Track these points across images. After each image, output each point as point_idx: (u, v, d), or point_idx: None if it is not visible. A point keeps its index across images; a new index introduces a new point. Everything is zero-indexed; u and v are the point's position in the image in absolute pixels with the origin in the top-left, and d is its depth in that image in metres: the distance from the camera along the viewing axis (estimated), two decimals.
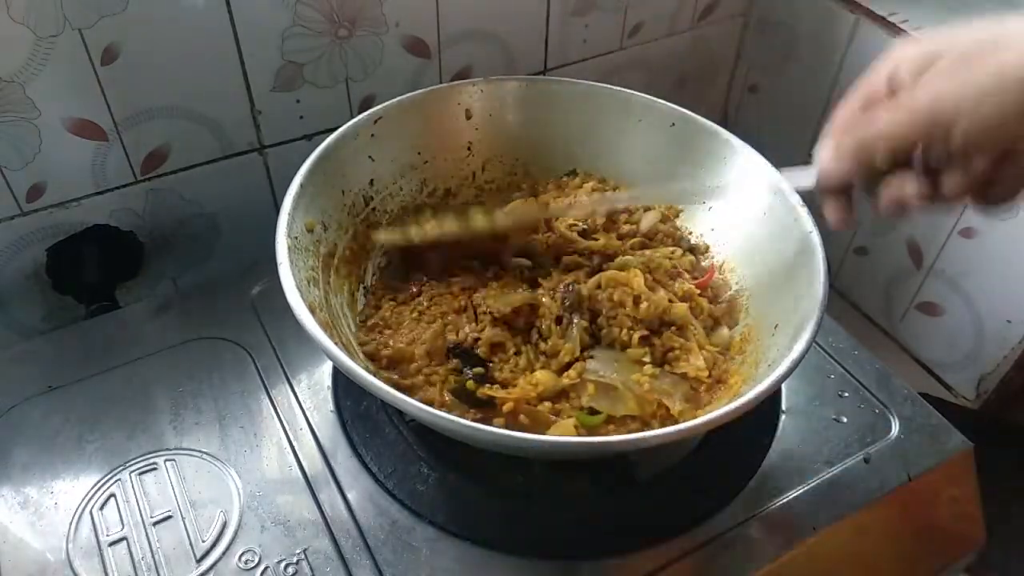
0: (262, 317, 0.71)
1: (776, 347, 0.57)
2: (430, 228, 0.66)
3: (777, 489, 0.61)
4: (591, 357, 0.60)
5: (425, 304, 0.64)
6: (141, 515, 0.57)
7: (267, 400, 0.65)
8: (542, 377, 0.58)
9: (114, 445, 0.61)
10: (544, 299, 0.62)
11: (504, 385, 0.59)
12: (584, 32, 0.89)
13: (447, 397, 0.58)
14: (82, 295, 0.77)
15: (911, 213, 0.48)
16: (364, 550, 0.56)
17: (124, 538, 0.56)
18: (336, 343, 0.53)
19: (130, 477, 0.59)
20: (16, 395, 0.65)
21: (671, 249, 0.69)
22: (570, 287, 0.62)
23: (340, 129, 0.66)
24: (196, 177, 0.77)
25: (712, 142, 0.70)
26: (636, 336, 0.61)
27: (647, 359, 0.60)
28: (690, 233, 0.72)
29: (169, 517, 0.57)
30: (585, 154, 0.76)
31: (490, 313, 0.61)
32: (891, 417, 0.66)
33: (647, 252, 0.69)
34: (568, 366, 0.60)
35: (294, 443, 0.62)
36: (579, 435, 0.55)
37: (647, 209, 0.72)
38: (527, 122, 0.75)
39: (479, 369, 0.59)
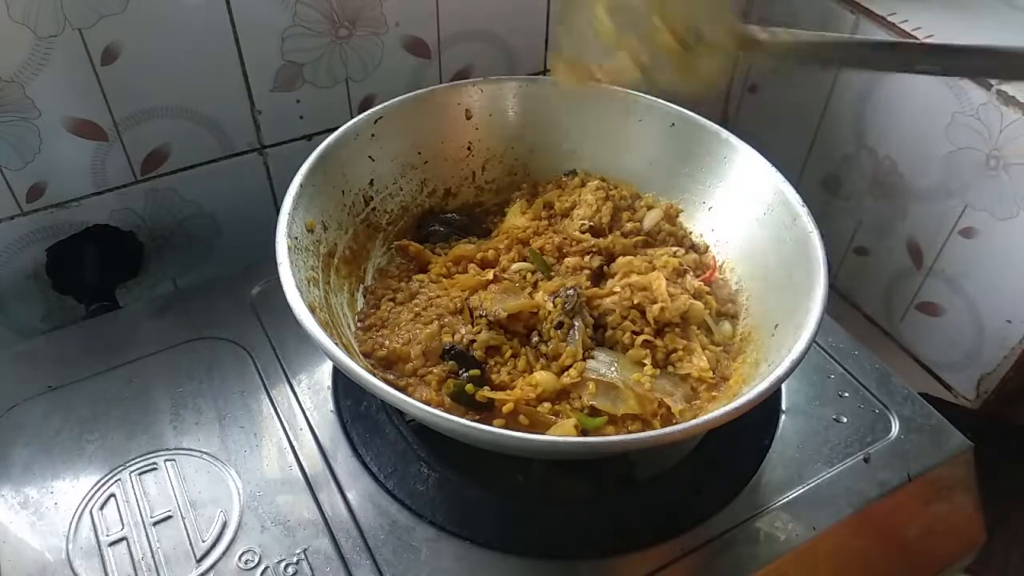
0: (262, 317, 0.71)
1: (776, 347, 0.57)
2: None
3: (777, 489, 0.61)
4: (591, 357, 0.60)
5: (423, 305, 0.64)
6: (141, 515, 0.57)
7: (267, 400, 0.65)
8: (541, 378, 0.58)
9: (114, 445, 0.61)
10: (546, 304, 0.62)
11: (502, 388, 0.59)
12: None
13: (445, 399, 0.58)
14: (82, 295, 0.77)
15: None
16: (364, 550, 0.56)
17: (124, 538, 0.56)
18: (336, 343, 0.53)
19: (130, 477, 0.59)
20: (16, 395, 0.65)
21: (674, 248, 0.69)
22: (571, 291, 0.62)
23: (340, 129, 0.66)
24: (196, 177, 0.77)
25: (712, 142, 0.70)
26: (639, 339, 0.60)
27: (647, 361, 0.60)
28: (690, 232, 0.72)
29: (169, 517, 0.57)
30: (585, 154, 0.76)
31: (485, 316, 0.61)
32: (891, 417, 0.66)
33: (649, 251, 0.69)
34: (569, 367, 0.60)
35: (294, 443, 0.62)
36: (579, 435, 0.55)
37: (650, 207, 0.72)
38: (527, 122, 0.75)
39: (475, 371, 0.59)
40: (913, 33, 0.81)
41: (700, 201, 0.72)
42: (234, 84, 0.73)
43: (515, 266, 0.67)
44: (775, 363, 0.53)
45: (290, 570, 0.54)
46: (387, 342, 0.62)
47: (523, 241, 0.69)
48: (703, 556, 0.57)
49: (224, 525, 0.57)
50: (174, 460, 0.61)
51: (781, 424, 0.65)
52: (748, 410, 0.49)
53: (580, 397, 0.58)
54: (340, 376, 0.66)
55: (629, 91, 0.73)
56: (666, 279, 0.64)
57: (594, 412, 0.58)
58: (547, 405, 0.58)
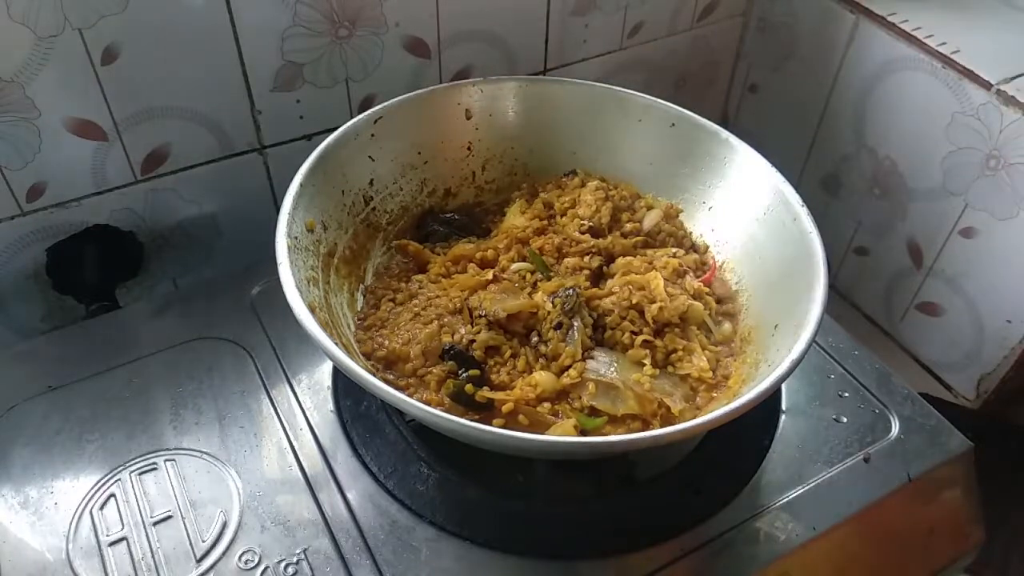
0: (262, 317, 0.71)
1: (776, 347, 0.57)
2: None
3: (777, 489, 0.61)
4: (591, 357, 0.60)
5: (422, 305, 0.64)
6: (141, 515, 0.57)
7: (267, 400, 0.65)
8: (541, 379, 0.58)
9: (114, 445, 0.61)
10: (545, 304, 0.62)
11: (502, 388, 0.59)
12: (584, 32, 0.89)
13: (445, 399, 0.58)
14: (82, 295, 0.77)
15: None
16: (364, 550, 0.56)
17: (124, 538, 0.56)
18: (336, 343, 0.53)
19: (130, 477, 0.59)
20: (16, 395, 0.64)
21: (674, 249, 0.69)
22: (570, 291, 0.62)
23: (340, 129, 0.66)
24: (196, 177, 0.77)
25: (712, 142, 0.70)
26: (639, 339, 0.60)
27: (647, 361, 0.60)
28: (690, 232, 0.72)
29: (169, 517, 0.57)
30: (585, 154, 0.76)
31: (484, 316, 0.61)
32: (891, 417, 0.66)
33: (649, 251, 0.69)
34: (568, 367, 0.60)
35: (294, 443, 0.62)
36: (579, 435, 0.55)
37: (650, 207, 0.72)
38: (527, 122, 0.75)
39: (475, 371, 0.59)
40: (913, 33, 0.81)
41: (700, 201, 0.72)
42: (234, 84, 0.73)
43: (514, 266, 0.67)
44: (775, 363, 0.53)
45: (290, 570, 0.54)
46: (387, 342, 0.62)
47: (523, 241, 0.69)
48: (703, 556, 0.57)
49: (224, 525, 0.57)
50: (174, 460, 0.61)
51: (781, 424, 0.65)
52: (748, 410, 0.49)
53: (580, 397, 0.58)
54: (340, 376, 0.66)
55: (629, 91, 0.73)
56: (666, 279, 0.64)
57: (594, 412, 0.58)
58: (547, 405, 0.58)
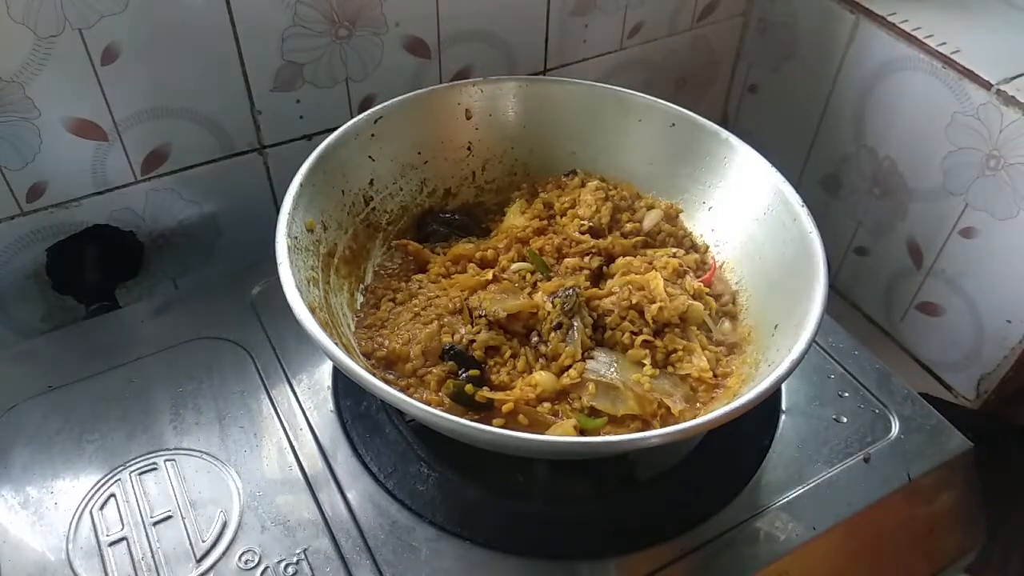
0: (262, 317, 0.71)
1: (776, 347, 0.57)
2: None
3: (777, 489, 0.61)
4: (591, 357, 0.60)
5: (422, 305, 0.64)
6: (141, 515, 0.57)
7: (267, 400, 0.65)
8: (541, 379, 0.58)
9: (114, 445, 0.61)
10: (545, 304, 0.62)
11: (501, 388, 0.59)
12: (584, 32, 0.89)
13: (445, 399, 0.58)
14: (82, 295, 0.77)
15: None
16: (364, 550, 0.56)
17: (124, 538, 0.56)
18: (336, 343, 0.53)
19: (130, 477, 0.59)
20: (16, 395, 0.64)
21: (674, 249, 0.69)
22: (570, 291, 0.62)
23: (340, 129, 0.66)
24: (196, 177, 0.77)
25: (712, 142, 0.70)
26: (639, 339, 0.60)
27: (647, 361, 0.60)
28: (690, 232, 0.72)
29: (169, 517, 0.57)
30: (585, 154, 0.76)
31: (484, 316, 0.61)
32: (891, 417, 0.66)
33: (649, 252, 0.69)
34: (568, 367, 0.60)
35: (294, 443, 0.62)
36: (579, 435, 0.55)
37: (650, 207, 0.72)
38: (527, 122, 0.75)
39: (474, 371, 0.59)
40: (913, 33, 0.81)
41: (700, 201, 0.72)
42: (234, 84, 0.73)
43: (514, 266, 0.67)
44: (775, 363, 0.53)
45: (290, 570, 0.54)
46: (387, 342, 0.62)
47: (523, 241, 0.69)
48: (703, 556, 0.57)
49: (224, 525, 0.57)
50: (174, 460, 0.61)
51: (781, 424, 0.65)
52: (748, 410, 0.49)
53: (580, 397, 0.58)
54: (340, 376, 0.66)
55: (629, 91, 0.73)
56: (666, 280, 0.64)
57: (594, 412, 0.58)
58: (547, 405, 0.58)
